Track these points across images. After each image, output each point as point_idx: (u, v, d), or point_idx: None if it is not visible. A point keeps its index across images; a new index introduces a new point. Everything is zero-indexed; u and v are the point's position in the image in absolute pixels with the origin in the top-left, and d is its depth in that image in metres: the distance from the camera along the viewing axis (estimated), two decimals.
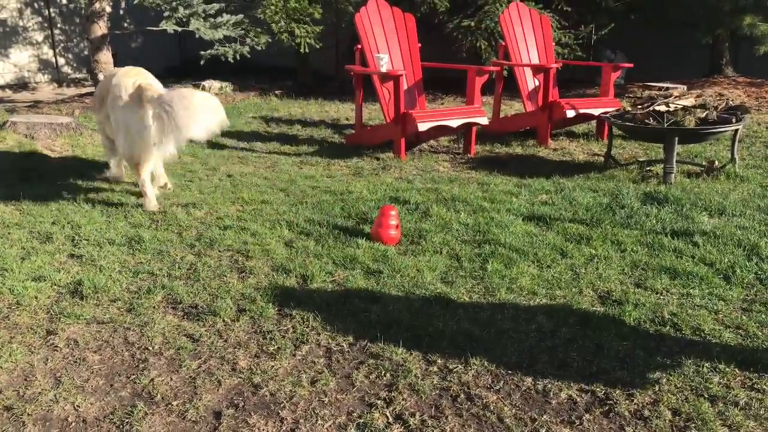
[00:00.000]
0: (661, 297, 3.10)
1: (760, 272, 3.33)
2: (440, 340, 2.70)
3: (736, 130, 5.19)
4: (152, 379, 2.46)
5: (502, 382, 2.44)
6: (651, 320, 2.87)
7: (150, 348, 2.67)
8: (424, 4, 9.28)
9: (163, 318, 2.91)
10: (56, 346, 2.68)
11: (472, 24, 9.17)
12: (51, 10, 10.79)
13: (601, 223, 4.05)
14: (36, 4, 10.62)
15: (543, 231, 3.97)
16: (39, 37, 10.76)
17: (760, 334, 2.74)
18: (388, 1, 6.66)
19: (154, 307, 3.01)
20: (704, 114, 5.11)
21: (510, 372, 2.50)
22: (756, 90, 8.99)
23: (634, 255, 3.58)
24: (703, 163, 5.38)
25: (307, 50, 9.52)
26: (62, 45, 11.10)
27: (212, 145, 6.52)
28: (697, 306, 3.00)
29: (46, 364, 2.56)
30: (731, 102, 6.38)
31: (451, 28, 9.37)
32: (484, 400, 2.33)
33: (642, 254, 3.59)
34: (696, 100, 5.33)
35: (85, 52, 10.26)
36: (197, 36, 8.17)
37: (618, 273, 3.37)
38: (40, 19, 10.72)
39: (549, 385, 2.41)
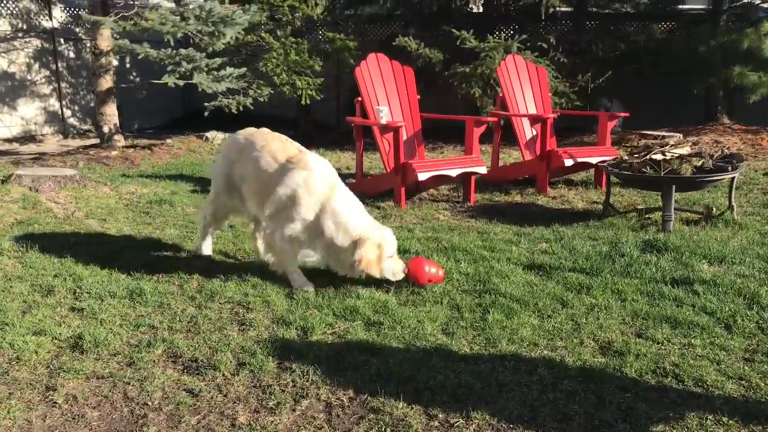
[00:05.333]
0: (663, 347, 3.09)
1: (761, 321, 3.33)
2: (441, 394, 2.69)
3: (733, 178, 5.24)
4: None
5: None
6: (653, 371, 2.86)
7: (149, 403, 2.66)
8: (419, 59, 9.52)
9: (163, 372, 2.90)
10: (55, 402, 2.66)
11: (468, 70, 9.36)
12: (59, 63, 11.05)
13: (601, 272, 4.06)
14: (44, 58, 10.89)
15: (543, 280, 3.98)
16: (46, 90, 10.99)
17: (762, 385, 2.73)
18: (387, 54, 6.83)
19: (154, 361, 3.00)
20: (700, 162, 5.18)
21: (512, 426, 2.48)
22: (752, 137, 9.10)
23: (635, 304, 3.58)
24: (700, 210, 5.41)
25: (308, 101, 9.72)
26: (69, 98, 11.33)
27: None
28: (699, 356, 2.99)
29: (44, 421, 2.54)
30: (727, 150, 6.47)
31: (447, 75, 9.57)
32: None
33: (642, 303, 3.59)
34: (692, 149, 5.41)
35: (92, 104, 10.46)
36: (200, 89, 8.36)
37: (619, 323, 3.37)
38: (47, 72, 10.96)
39: None
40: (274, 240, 3.96)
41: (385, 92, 6.55)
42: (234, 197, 4.33)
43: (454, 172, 5.99)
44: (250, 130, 4.37)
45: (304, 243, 3.98)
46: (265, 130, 4.34)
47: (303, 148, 4.14)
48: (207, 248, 4.58)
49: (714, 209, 5.37)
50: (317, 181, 3.88)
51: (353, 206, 3.92)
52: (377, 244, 3.78)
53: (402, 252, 4.49)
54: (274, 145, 4.11)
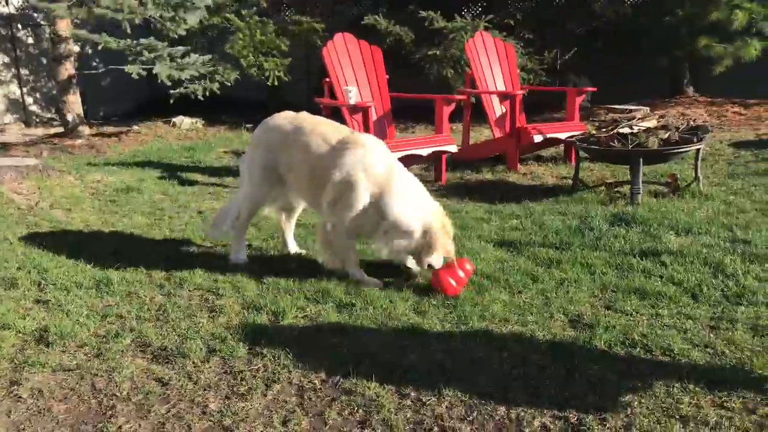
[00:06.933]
0: (631, 318, 3.13)
1: (726, 289, 3.39)
2: (413, 373, 2.69)
3: (699, 149, 5.30)
4: (120, 427, 2.40)
5: (475, 412, 2.44)
6: (621, 342, 2.89)
7: (118, 394, 2.62)
8: (389, 37, 9.43)
9: (131, 362, 2.85)
10: (20, 397, 2.61)
11: (438, 53, 9.34)
12: (17, 51, 10.72)
13: (571, 246, 4.09)
14: (2, 45, 10.55)
15: (514, 256, 4.00)
16: (5, 77, 10.66)
17: (727, 351, 2.78)
18: (356, 34, 6.75)
19: (122, 351, 2.95)
20: (666, 135, 5.22)
21: (483, 402, 2.49)
22: (717, 109, 9.23)
23: (604, 277, 3.62)
24: (666, 180, 5.47)
25: (276, 83, 9.58)
26: (30, 85, 11.01)
27: (183, 181, 6.49)
28: (667, 326, 3.03)
29: (9, 417, 2.49)
30: (693, 122, 6.54)
31: (418, 58, 9.52)
32: None
33: (611, 276, 3.63)
34: (658, 122, 5.45)
35: (54, 92, 10.18)
36: (159, 81, 8.19)
37: (588, 296, 3.40)
38: (6, 59, 10.63)
39: (522, 414, 2.41)
40: (335, 235, 3.66)
41: (354, 72, 6.48)
42: (276, 188, 3.96)
43: (424, 152, 5.97)
44: (289, 115, 4.02)
45: (367, 232, 3.69)
46: (307, 114, 4.02)
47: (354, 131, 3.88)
48: (244, 253, 4.08)
49: (678, 177, 5.43)
50: (374, 161, 3.59)
51: (414, 188, 3.66)
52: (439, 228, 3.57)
53: None
54: (323, 128, 3.81)
